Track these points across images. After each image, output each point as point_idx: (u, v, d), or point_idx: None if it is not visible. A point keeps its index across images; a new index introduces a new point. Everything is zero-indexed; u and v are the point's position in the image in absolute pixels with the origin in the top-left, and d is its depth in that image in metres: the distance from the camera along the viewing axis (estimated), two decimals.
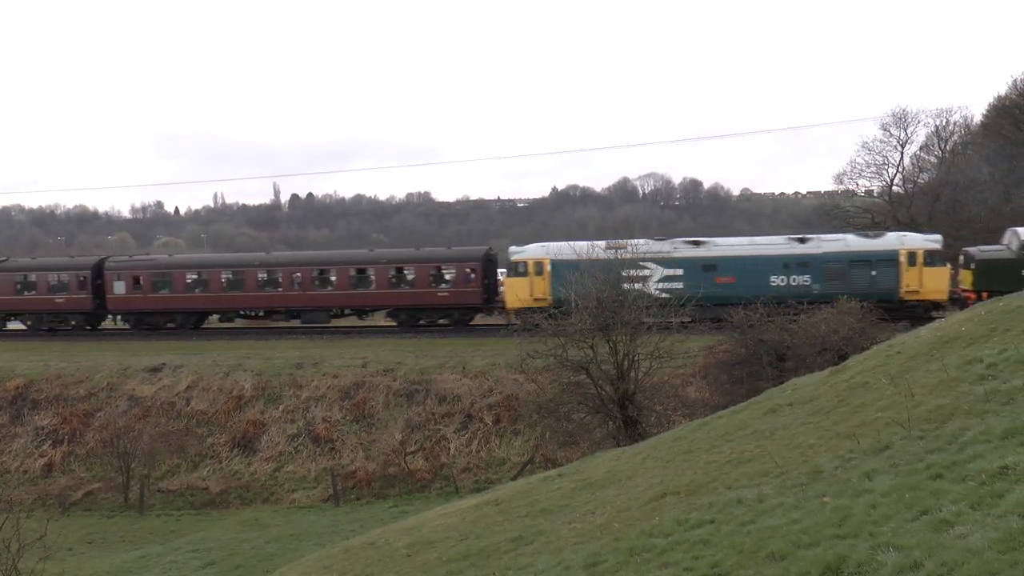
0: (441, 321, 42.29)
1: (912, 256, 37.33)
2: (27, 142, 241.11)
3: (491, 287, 42.21)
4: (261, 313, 44.81)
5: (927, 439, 8.84)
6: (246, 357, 36.87)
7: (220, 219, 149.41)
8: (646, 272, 36.60)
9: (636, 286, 35.88)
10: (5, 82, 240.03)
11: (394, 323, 43.59)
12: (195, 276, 44.70)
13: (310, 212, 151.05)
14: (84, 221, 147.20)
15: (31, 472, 32.55)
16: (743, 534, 7.86)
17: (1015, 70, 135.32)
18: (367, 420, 32.79)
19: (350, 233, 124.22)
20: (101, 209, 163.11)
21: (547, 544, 10.30)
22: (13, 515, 17.48)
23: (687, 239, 40.43)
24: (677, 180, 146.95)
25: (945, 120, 60.42)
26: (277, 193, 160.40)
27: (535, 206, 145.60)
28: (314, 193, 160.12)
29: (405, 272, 42.47)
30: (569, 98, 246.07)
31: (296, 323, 44.18)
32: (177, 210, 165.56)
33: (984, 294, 31.81)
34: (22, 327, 46.80)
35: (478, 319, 42.86)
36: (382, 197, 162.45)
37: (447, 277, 42.42)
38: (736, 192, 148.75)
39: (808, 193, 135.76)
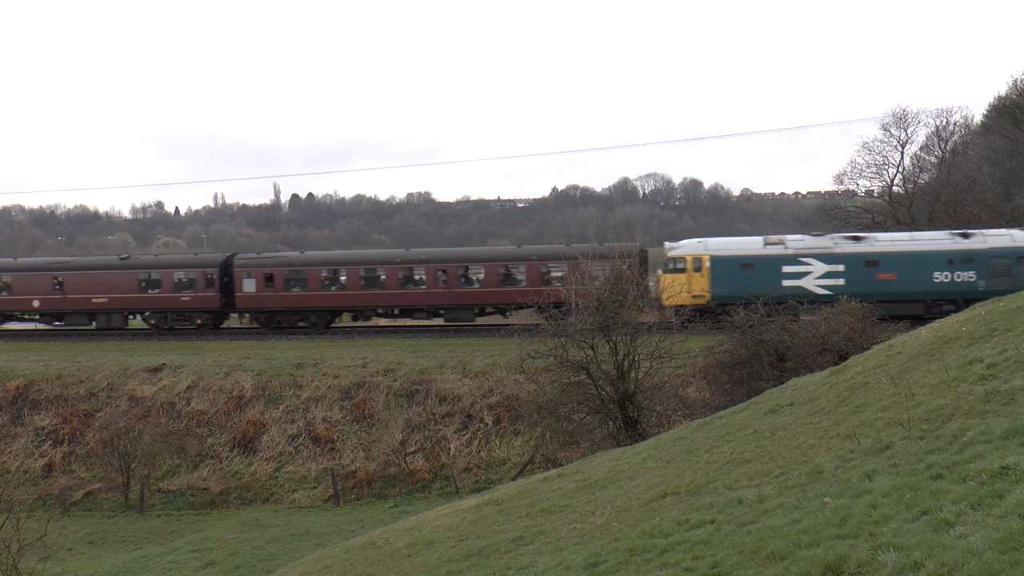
0: None
1: None
2: (27, 142, 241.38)
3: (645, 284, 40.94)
4: (397, 312, 43.58)
5: (927, 439, 8.84)
6: (246, 357, 36.86)
7: (220, 219, 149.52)
8: (807, 268, 36.38)
9: (795, 283, 35.66)
10: (5, 82, 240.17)
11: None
12: (331, 273, 43.40)
13: (310, 212, 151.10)
14: (84, 221, 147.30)
15: (31, 472, 32.54)
16: (743, 534, 7.86)
17: (1015, 70, 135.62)
18: (367, 420, 32.79)
19: (350, 233, 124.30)
20: (101, 209, 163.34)
21: (547, 544, 10.29)
22: (13, 515, 17.51)
23: (845, 234, 39.28)
24: (677, 180, 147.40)
25: (945, 120, 60.43)
26: (277, 193, 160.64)
27: (535, 206, 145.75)
28: (314, 193, 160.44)
29: (555, 270, 41.18)
30: (569, 98, 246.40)
31: (439, 321, 42.98)
32: (177, 210, 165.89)
33: None
34: (144, 326, 45.44)
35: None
36: (382, 197, 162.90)
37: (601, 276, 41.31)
38: (736, 192, 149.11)
39: (808, 193, 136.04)
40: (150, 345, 40.85)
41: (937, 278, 36.49)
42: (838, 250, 36.99)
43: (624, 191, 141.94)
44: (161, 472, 31.71)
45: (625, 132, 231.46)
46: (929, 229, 43.80)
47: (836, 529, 7.11)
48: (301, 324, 43.37)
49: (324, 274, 43.20)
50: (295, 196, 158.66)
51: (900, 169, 59.97)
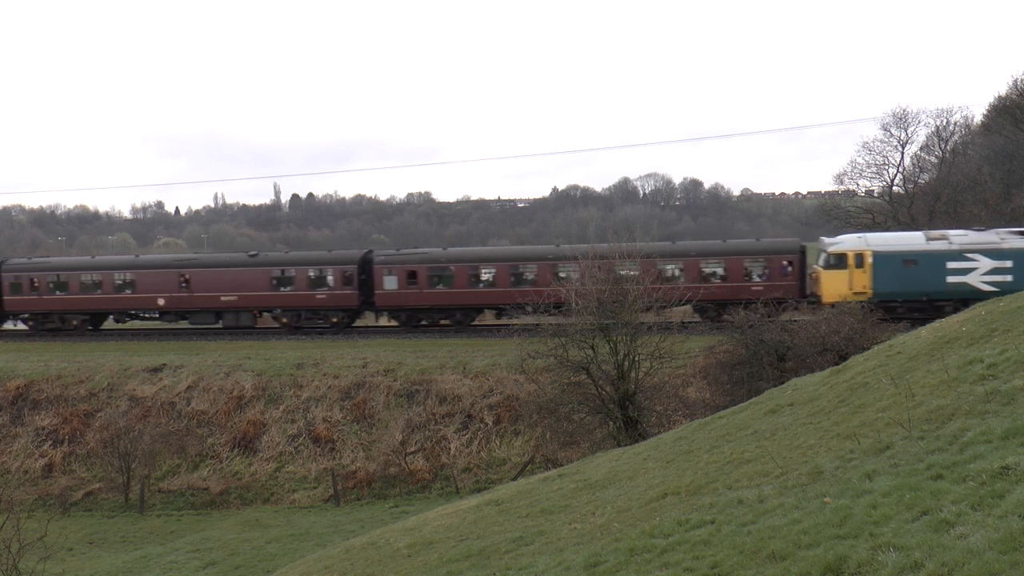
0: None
1: None
2: (27, 142, 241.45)
3: (803, 280, 40.35)
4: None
5: (928, 439, 8.84)
6: (246, 357, 36.86)
7: (220, 219, 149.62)
8: (972, 264, 35.87)
9: (960, 279, 35.20)
10: (6, 83, 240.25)
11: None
12: (484, 270, 42.15)
13: (310, 212, 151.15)
14: (84, 221, 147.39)
15: (32, 472, 32.55)
16: (744, 534, 7.86)
17: (1015, 70, 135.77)
18: (367, 420, 32.79)
19: (350, 233, 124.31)
20: (102, 209, 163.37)
21: (548, 544, 10.29)
22: (14, 515, 17.52)
23: (1013, 229, 38.33)
24: (677, 180, 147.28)
25: (945, 120, 60.50)
26: (277, 193, 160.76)
27: (535, 206, 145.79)
28: (314, 193, 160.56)
29: (715, 266, 40.59)
30: (569, 98, 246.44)
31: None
32: (177, 210, 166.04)
33: None
34: (275, 324, 44.35)
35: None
36: (382, 197, 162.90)
37: (758, 271, 40.22)
38: (736, 192, 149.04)
39: (808, 193, 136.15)
40: (150, 345, 40.85)
41: None
42: (1005, 246, 36.31)
43: (624, 191, 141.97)
44: (161, 472, 31.72)
45: (625, 132, 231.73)
46: (929, 229, 43.69)
47: (836, 529, 7.11)
48: (444, 322, 42.25)
49: (472, 271, 41.98)
50: (295, 196, 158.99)
51: (900, 169, 60.08)
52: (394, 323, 43.89)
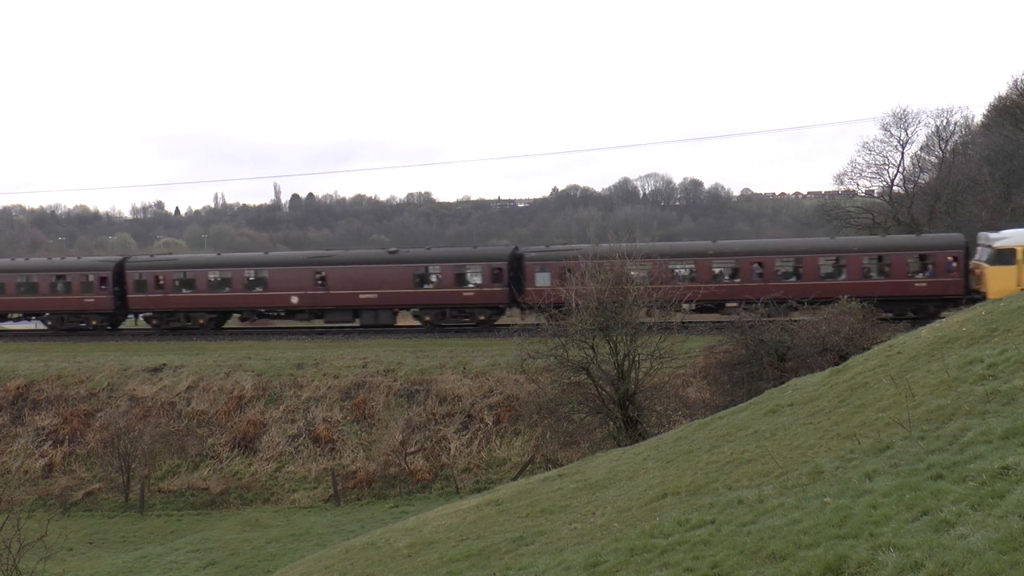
0: (910, 313, 38.74)
1: None
2: (27, 142, 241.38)
3: (967, 276, 39.00)
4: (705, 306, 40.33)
5: (928, 439, 8.84)
6: (247, 357, 36.87)
7: (220, 219, 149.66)
8: None
9: None
10: (6, 83, 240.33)
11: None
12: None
13: (310, 212, 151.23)
14: (85, 221, 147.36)
15: (32, 472, 32.56)
16: (744, 534, 7.86)
17: (1015, 70, 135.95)
18: (367, 420, 32.80)
19: (350, 233, 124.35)
20: (102, 209, 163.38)
21: (548, 544, 10.30)
22: (14, 515, 17.53)
23: None
24: (677, 180, 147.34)
25: (945, 120, 60.48)
26: (277, 193, 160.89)
27: (535, 206, 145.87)
28: (314, 193, 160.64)
29: (882, 260, 39.62)
30: (569, 98, 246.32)
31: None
32: (177, 210, 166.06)
33: None
34: (416, 323, 43.57)
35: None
36: (382, 197, 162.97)
37: (921, 266, 39.33)
38: (736, 192, 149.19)
39: (808, 193, 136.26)
40: (150, 345, 40.85)
41: None
42: None
43: (624, 191, 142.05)
44: (161, 472, 31.73)
45: (625, 132, 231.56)
46: (930, 230, 43.68)
47: (836, 529, 7.11)
48: None
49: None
50: (295, 196, 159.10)
51: (900, 169, 60.06)
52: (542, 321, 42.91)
